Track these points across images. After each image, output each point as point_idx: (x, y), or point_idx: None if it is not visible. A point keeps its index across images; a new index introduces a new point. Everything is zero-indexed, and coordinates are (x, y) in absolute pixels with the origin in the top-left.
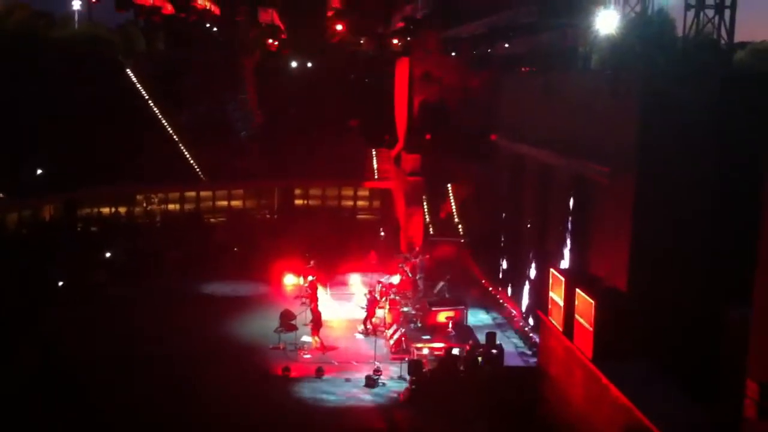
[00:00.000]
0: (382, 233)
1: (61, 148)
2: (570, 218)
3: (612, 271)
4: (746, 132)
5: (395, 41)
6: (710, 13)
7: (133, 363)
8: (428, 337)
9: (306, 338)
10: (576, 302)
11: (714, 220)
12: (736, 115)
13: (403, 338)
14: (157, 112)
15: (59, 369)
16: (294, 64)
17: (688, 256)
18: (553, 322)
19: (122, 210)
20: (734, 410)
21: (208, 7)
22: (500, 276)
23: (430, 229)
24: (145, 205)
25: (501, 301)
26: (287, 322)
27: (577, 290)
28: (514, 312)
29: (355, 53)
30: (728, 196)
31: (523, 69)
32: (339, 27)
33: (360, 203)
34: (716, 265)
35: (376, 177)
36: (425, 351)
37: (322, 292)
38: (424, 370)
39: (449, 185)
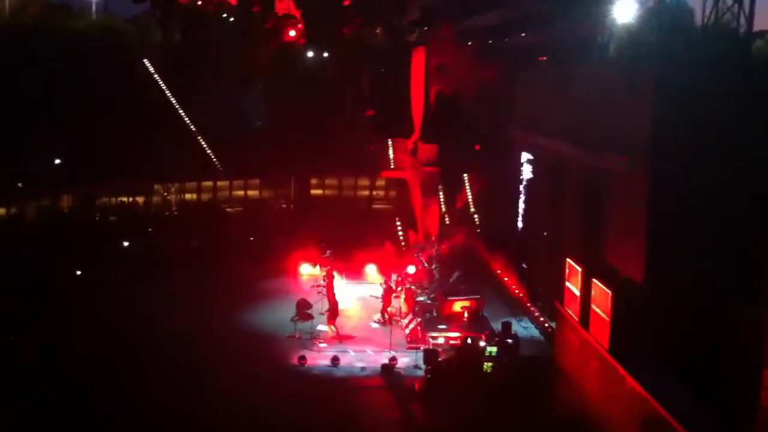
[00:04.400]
0: (399, 226)
1: (77, 140)
2: (585, 209)
3: (628, 263)
4: (764, 123)
5: (411, 32)
6: (729, 1)
7: (148, 353)
8: (444, 326)
9: (322, 327)
10: (592, 292)
11: (732, 211)
12: (753, 105)
13: (418, 328)
14: (173, 103)
15: (68, 364)
16: (310, 54)
17: (704, 248)
18: (570, 312)
19: (140, 200)
20: (746, 402)
21: None
22: (516, 266)
23: (446, 219)
24: (164, 193)
25: (516, 290)
26: (303, 311)
27: (594, 280)
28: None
29: (371, 43)
30: (746, 188)
31: (539, 59)
32: (354, 17)
33: (376, 193)
34: (733, 258)
35: (392, 167)
36: (441, 340)
37: (338, 282)
38: (439, 359)
39: (465, 175)
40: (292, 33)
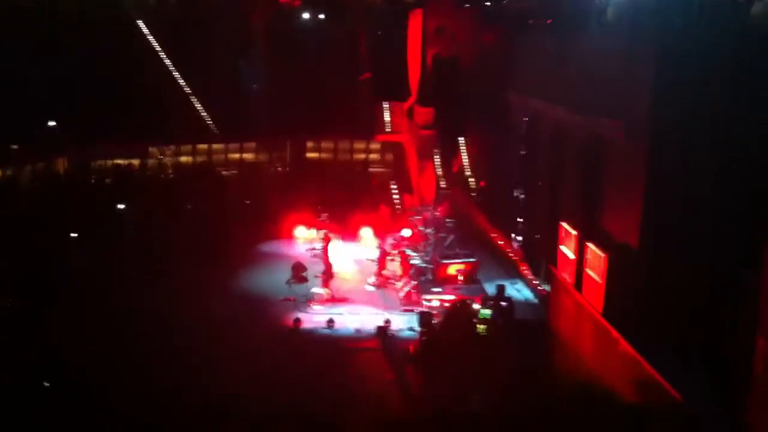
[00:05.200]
0: (394, 189)
1: (73, 101)
2: (583, 175)
3: (624, 228)
4: (762, 88)
5: None
6: None
7: (147, 318)
8: (439, 289)
9: (317, 290)
10: (587, 256)
11: (728, 178)
12: (752, 71)
13: (413, 290)
14: (169, 66)
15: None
16: (306, 17)
17: (702, 216)
18: (564, 276)
19: (135, 162)
20: (743, 364)
21: None
22: (511, 229)
23: (442, 183)
24: (160, 156)
25: (511, 254)
26: (299, 274)
27: (588, 244)
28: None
29: (368, 5)
30: (743, 154)
31: (538, 23)
32: None
33: (372, 156)
34: (729, 224)
35: (388, 130)
36: (435, 303)
37: (334, 245)
38: (434, 321)
39: (461, 139)
40: None
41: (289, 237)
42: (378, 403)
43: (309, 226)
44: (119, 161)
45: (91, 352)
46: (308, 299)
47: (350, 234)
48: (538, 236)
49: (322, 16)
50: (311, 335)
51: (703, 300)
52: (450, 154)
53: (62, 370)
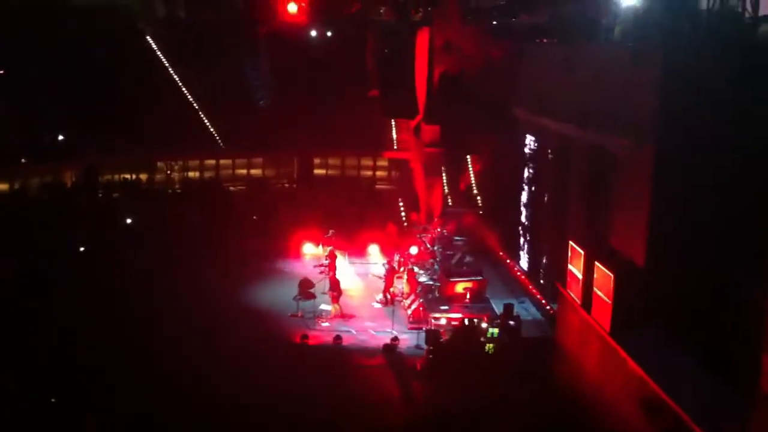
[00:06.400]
0: (402, 206)
1: (81, 114)
2: (589, 190)
3: (630, 245)
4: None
5: (416, 11)
6: None
7: (150, 331)
8: (446, 307)
9: (325, 306)
10: (595, 275)
11: (735, 194)
12: (757, 87)
13: (421, 308)
14: (176, 78)
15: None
16: (313, 33)
17: (707, 231)
18: (572, 294)
19: (143, 177)
20: (751, 383)
21: None
22: (518, 247)
23: (449, 201)
24: (168, 171)
25: (518, 272)
26: (306, 290)
27: (597, 263)
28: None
29: (376, 23)
30: (749, 170)
31: (544, 40)
32: None
33: (379, 173)
34: (737, 240)
35: (395, 147)
36: (443, 321)
37: (340, 261)
38: (441, 340)
39: (468, 156)
40: (293, 8)
41: (297, 253)
42: (381, 411)
43: (316, 242)
44: (126, 175)
45: (92, 355)
46: (316, 315)
47: (357, 251)
48: (545, 257)
49: (329, 34)
50: (318, 351)
51: (710, 312)
52: (457, 172)
53: (63, 373)
